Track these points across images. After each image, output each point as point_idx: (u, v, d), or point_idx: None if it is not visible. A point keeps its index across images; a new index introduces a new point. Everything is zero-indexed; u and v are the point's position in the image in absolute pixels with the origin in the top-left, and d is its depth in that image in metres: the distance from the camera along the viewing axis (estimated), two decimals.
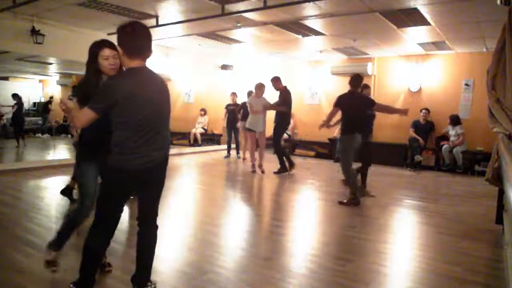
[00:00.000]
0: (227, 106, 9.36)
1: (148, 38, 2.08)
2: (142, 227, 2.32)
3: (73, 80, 12.62)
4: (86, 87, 2.41)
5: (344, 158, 4.88)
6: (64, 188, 4.56)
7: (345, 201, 4.85)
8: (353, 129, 4.82)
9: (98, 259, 2.29)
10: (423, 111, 8.30)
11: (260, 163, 7.11)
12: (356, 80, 5.02)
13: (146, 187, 2.26)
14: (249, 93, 8.45)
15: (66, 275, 2.56)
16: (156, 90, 2.14)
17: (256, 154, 7.24)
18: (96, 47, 2.39)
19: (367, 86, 5.72)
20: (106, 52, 2.36)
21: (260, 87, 7.03)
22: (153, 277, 2.72)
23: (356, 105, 4.91)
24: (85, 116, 2.04)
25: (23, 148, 9.66)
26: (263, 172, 7.01)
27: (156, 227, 2.36)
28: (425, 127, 8.26)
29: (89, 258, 2.21)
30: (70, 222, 2.65)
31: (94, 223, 2.21)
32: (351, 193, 4.83)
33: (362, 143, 4.94)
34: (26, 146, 9.84)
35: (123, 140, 2.07)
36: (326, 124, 5.15)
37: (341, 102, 4.90)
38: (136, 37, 2.05)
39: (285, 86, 6.99)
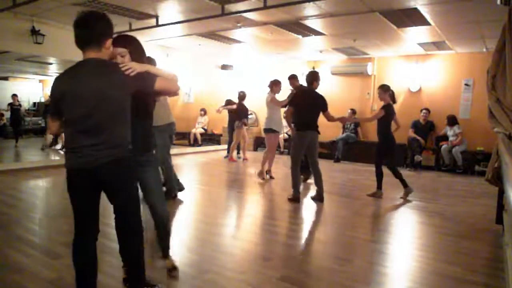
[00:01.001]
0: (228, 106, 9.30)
1: (85, 27, 1.90)
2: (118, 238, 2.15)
3: None
4: None
5: (292, 154, 5.04)
6: None
7: (290, 197, 5.01)
8: (305, 127, 4.90)
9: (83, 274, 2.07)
10: (424, 111, 8.30)
11: (269, 168, 6.62)
12: (308, 76, 5.09)
13: (108, 196, 2.07)
14: (241, 95, 8.45)
15: (65, 275, 2.56)
16: (99, 85, 1.90)
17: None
18: None
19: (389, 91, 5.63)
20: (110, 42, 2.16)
21: (278, 84, 6.59)
22: (153, 276, 2.72)
23: (308, 103, 4.95)
24: (49, 122, 2.09)
25: (20, 148, 9.67)
26: (272, 177, 6.61)
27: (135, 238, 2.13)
28: (425, 127, 8.27)
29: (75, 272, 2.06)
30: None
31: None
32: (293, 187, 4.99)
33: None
34: (21, 146, 9.82)
35: (67, 138, 2.01)
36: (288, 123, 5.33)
37: (294, 100, 5.06)
38: (75, 27, 1.92)
39: (301, 85, 6.56)
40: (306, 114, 4.95)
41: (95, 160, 1.92)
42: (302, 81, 9.12)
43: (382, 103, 5.48)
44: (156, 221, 2.57)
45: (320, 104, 4.98)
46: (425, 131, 8.26)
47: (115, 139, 1.97)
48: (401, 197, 5.28)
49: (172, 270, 2.67)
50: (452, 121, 7.90)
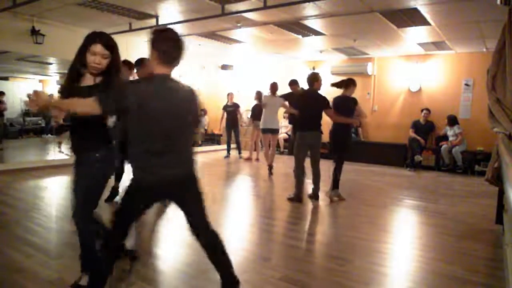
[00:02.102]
0: (225, 108, 9.22)
1: (179, 47, 2.01)
2: (199, 239, 2.28)
3: None
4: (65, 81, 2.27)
5: (295, 154, 5.06)
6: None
7: (292, 196, 5.02)
8: (306, 127, 4.92)
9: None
10: (424, 111, 8.30)
11: (270, 164, 6.97)
12: (309, 77, 5.08)
13: (181, 204, 2.17)
14: (258, 94, 8.32)
15: (65, 275, 2.56)
16: (176, 103, 2.00)
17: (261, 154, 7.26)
18: (89, 39, 2.17)
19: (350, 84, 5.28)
20: (97, 48, 2.14)
21: (274, 86, 6.98)
22: (153, 276, 2.72)
23: (309, 104, 4.96)
24: (87, 106, 1.91)
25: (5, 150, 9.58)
26: (272, 174, 6.92)
27: (212, 232, 2.30)
28: (425, 127, 8.27)
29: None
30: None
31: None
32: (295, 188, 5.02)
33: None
34: (7, 148, 9.68)
35: (135, 154, 2.03)
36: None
37: (294, 101, 5.13)
38: (171, 46, 1.98)
39: (302, 88, 6.81)
40: (307, 114, 4.95)
41: (162, 178, 2.03)
42: (302, 82, 9.17)
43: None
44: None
45: (321, 104, 4.96)
46: (425, 131, 8.26)
47: (182, 158, 2.11)
48: (326, 194, 5.21)
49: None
50: (452, 121, 7.90)
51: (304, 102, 5.05)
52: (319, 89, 5.07)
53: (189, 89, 2.11)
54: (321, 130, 4.99)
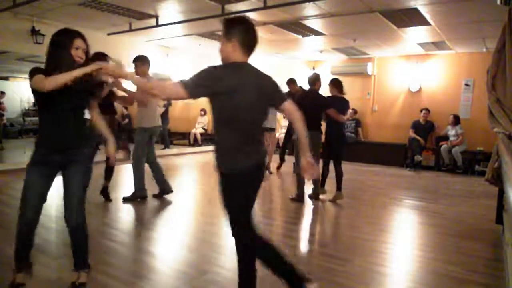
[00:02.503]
0: None
1: (256, 35, 2.02)
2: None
3: None
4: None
5: (296, 153, 5.06)
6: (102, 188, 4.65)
7: (294, 196, 5.01)
8: (306, 127, 4.88)
9: None
10: (423, 111, 8.30)
11: (268, 164, 7.01)
12: (310, 78, 5.09)
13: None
14: None
15: (65, 275, 2.56)
16: (261, 89, 2.00)
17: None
18: (69, 36, 2.18)
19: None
20: (80, 42, 2.18)
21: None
22: (153, 277, 2.72)
23: (309, 103, 4.89)
24: (173, 88, 1.87)
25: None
26: (270, 173, 6.94)
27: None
28: (425, 127, 8.26)
29: None
30: None
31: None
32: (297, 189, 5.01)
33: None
34: (7, 149, 9.69)
35: (226, 139, 1.99)
36: None
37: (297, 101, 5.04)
38: (252, 32, 1.99)
39: (301, 87, 6.87)
40: (308, 114, 4.93)
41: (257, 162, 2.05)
42: (302, 82, 9.12)
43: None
44: None
45: (322, 104, 4.97)
46: (425, 131, 8.25)
47: (260, 145, 2.13)
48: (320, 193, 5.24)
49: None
50: (457, 120, 7.88)
51: (306, 102, 5.03)
52: (319, 89, 5.09)
53: (268, 76, 2.10)
54: (321, 130, 4.99)
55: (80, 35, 2.21)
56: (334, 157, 5.17)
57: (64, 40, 2.17)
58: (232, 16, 2.03)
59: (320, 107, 4.97)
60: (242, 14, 2.06)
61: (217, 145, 2.04)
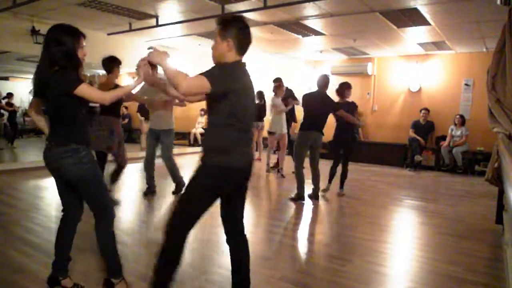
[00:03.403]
0: None
1: (250, 34, 2.04)
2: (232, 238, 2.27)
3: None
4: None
5: (296, 153, 5.06)
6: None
7: (293, 196, 5.03)
8: (309, 127, 4.93)
9: None
10: (423, 111, 8.30)
11: (281, 166, 6.87)
12: (321, 80, 5.06)
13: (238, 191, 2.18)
14: (259, 94, 7.88)
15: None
16: (252, 90, 2.10)
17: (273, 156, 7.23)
18: (77, 34, 2.18)
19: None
20: (82, 41, 2.20)
21: (280, 86, 6.74)
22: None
23: (316, 104, 4.95)
24: (198, 81, 1.82)
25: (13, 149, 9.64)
26: (283, 176, 6.72)
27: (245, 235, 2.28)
28: (425, 127, 8.26)
29: None
30: None
31: None
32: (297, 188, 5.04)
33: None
34: (7, 148, 9.73)
35: (230, 137, 1.98)
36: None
37: (303, 100, 5.10)
38: (247, 32, 2.00)
39: (287, 87, 6.94)
40: (313, 114, 4.93)
41: (250, 159, 2.11)
42: (302, 81, 9.13)
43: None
44: None
45: (329, 106, 4.98)
46: (425, 131, 8.25)
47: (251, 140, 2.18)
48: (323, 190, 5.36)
49: None
50: (463, 121, 7.84)
51: (313, 103, 5.01)
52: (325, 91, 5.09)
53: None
54: (323, 132, 4.99)
55: (82, 33, 2.23)
56: (344, 157, 5.31)
57: (69, 38, 2.16)
58: (227, 14, 2.02)
59: (327, 109, 4.97)
60: (239, 14, 2.08)
61: (212, 143, 2.02)
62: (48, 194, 5.19)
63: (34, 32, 6.52)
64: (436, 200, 5.41)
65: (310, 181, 5.06)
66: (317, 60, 9.97)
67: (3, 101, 10.39)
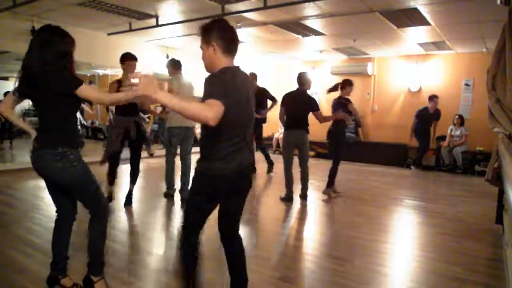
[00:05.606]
0: None
1: (237, 35, 1.98)
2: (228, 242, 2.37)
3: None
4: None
5: (283, 153, 5.10)
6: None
7: (283, 196, 5.03)
8: (292, 126, 4.92)
9: None
10: (434, 98, 7.69)
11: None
12: (299, 77, 5.00)
13: (235, 193, 2.18)
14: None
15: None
16: (247, 93, 2.01)
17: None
18: (69, 40, 2.20)
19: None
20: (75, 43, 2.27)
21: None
22: (153, 276, 2.72)
23: (296, 103, 4.91)
24: (217, 107, 1.69)
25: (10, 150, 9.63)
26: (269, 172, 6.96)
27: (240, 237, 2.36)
28: (431, 116, 7.73)
29: None
30: None
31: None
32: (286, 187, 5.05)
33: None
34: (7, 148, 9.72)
35: (221, 146, 1.92)
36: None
37: (282, 101, 5.06)
38: (230, 30, 1.93)
39: (258, 86, 6.64)
40: (294, 114, 4.92)
41: (241, 166, 2.04)
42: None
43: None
44: None
45: (310, 105, 4.93)
46: (431, 119, 7.75)
47: (249, 147, 2.13)
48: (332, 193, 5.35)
49: None
50: (463, 121, 7.80)
51: (292, 102, 4.99)
52: (309, 89, 5.07)
53: (245, 73, 2.09)
54: (308, 130, 4.94)
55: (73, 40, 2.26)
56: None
57: (65, 46, 2.18)
58: (208, 21, 1.98)
59: (308, 108, 4.92)
60: (219, 18, 2.04)
61: (204, 151, 1.99)
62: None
63: (34, 32, 6.51)
64: (436, 200, 5.41)
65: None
66: (317, 60, 9.97)
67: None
